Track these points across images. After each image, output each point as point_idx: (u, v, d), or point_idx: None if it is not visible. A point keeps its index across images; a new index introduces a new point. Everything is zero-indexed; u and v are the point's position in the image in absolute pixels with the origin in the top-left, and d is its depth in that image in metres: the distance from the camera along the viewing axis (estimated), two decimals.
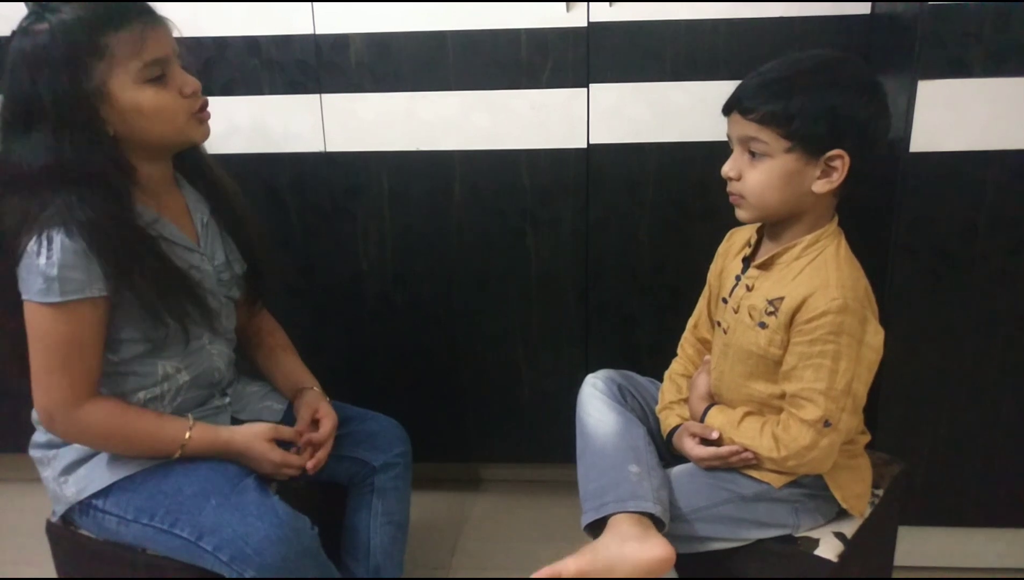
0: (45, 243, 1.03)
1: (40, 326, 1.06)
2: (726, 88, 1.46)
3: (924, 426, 1.44)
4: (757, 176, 1.06)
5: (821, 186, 1.05)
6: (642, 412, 1.27)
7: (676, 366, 1.31)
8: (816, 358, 1.05)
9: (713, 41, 1.45)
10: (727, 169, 1.10)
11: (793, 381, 1.07)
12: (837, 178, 1.04)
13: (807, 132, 1.02)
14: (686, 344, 1.32)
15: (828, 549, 1.12)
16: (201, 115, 1.14)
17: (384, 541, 1.31)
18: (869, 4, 1.42)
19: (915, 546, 1.54)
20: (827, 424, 1.05)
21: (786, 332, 1.07)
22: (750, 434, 1.11)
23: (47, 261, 1.02)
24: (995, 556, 1.54)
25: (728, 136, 1.11)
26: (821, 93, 1.02)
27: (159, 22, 1.10)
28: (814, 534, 1.14)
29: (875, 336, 1.06)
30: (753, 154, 1.06)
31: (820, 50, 1.11)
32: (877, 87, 1.06)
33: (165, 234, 1.14)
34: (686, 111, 1.49)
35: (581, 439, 1.22)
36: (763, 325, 1.10)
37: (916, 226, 1.34)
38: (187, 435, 1.13)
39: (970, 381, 1.41)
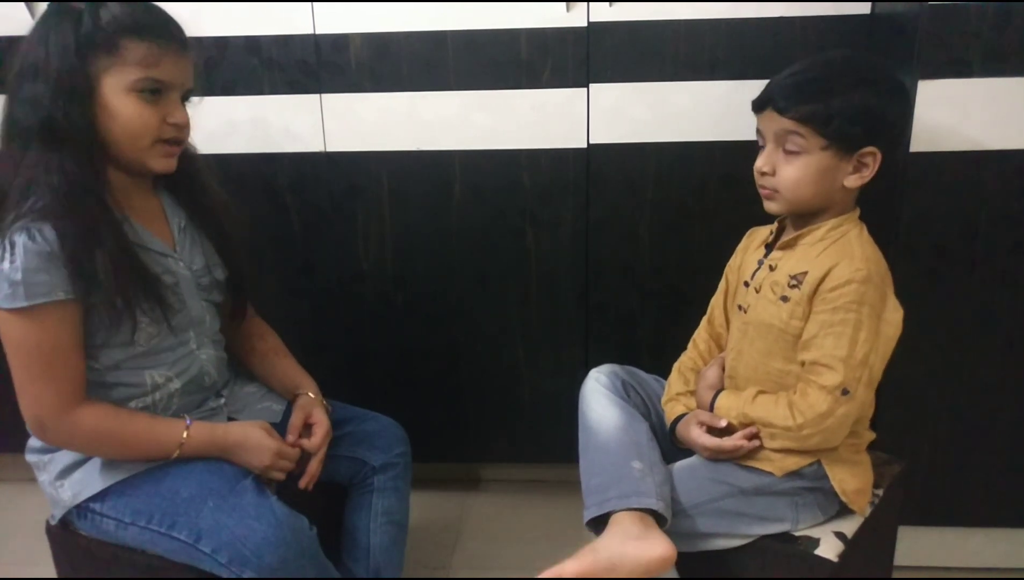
0: (8, 248, 1.02)
1: (13, 334, 1.06)
2: (726, 88, 1.47)
3: (924, 425, 1.44)
4: (792, 171, 1.10)
5: (853, 181, 1.10)
6: (645, 408, 1.27)
7: (685, 359, 1.31)
8: (838, 326, 1.06)
9: (713, 41, 1.45)
10: (761, 164, 1.13)
11: (812, 349, 1.08)
12: (868, 174, 1.09)
13: (845, 131, 1.06)
14: (699, 339, 1.32)
15: (828, 548, 1.12)
16: (168, 148, 1.13)
17: (384, 541, 1.31)
18: (869, 4, 1.42)
19: (915, 546, 1.54)
20: (845, 392, 1.06)
21: (808, 304, 1.09)
22: (765, 407, 1.12)
23: (10, 265, 1.02)
24: (995, 556, 1.54)
25: (759, 131, 1.14)
26: (857, 94, 1.06)
27: (184, 54, 1.11)
28: (814, 533, 1.14)
29: (894, 313, 1.09)
30: (787, 150, 1.10)
31: (847, 51, 1.15)
32: (904, 87, 1.11)
33: (133, 238, 1.13)
34: (686, 111, 1.49)
35: (584, 434, 1.22)
36: (785, 298, 1.12)
37: (916, 226, 1.34)
38: (184, 435, 1.13)
39: (970, 381, 1.41)
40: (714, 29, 1.45)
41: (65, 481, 1.15)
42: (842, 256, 1.08)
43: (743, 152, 1.47)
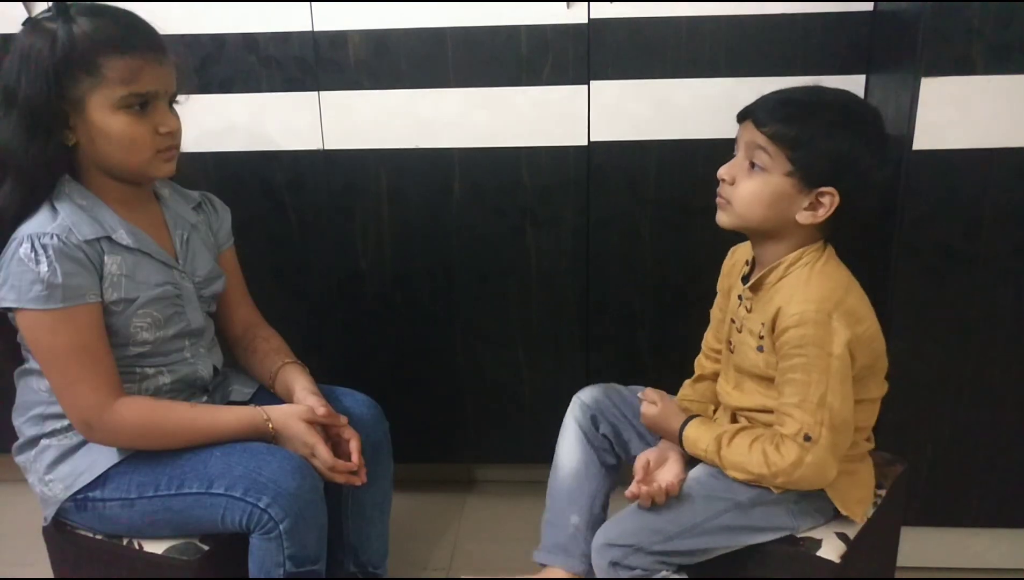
0: (41, 250, 1.04)
1: (46, 337, 1.07)
2: (728, 85, 1.47)
3: (926, 425, 1.43)
4: (749, 186, 1.09)
5: (805, 217, 1.07)
6: (610, 442, 1.28)
7: (690, 393, 1.31)
8: (788, 373, 1.06)
9: (715, 38, 1.44)
10: (723, 172, 1.12)
11: (778, 398, 1.09)
12: (823, 214, 1.07)
13: (809, 163, 1.05)
14: (705, 360, 1.32)
15: (830, 550, 1.12)
16: (167, 154, 1.14)
17: (365, 526, 1.32)
18: (872, 2, 1.41)
19: (917, 546, 1.53)
20: (807, 438, 1.05)
21: (773, 352, 1.09)
22: (740, 451, 1.10)
23: (48, 268, 1.04)
24: (998, 556, 1.54)
25: (736, 141, 1.13)
26: (833, 131, 1.05)
27: (164, 60, 1.12)
28: (816, 535, 1.14)
29: (839, 345, 1.04)
30: (753, 165, 1.08)
31: (846, 91, 1.13)
32: (886, 141, 1.09)
33: (139, 246, 1.14)
34: (687, 108, 1.48)
35: (552, 467, 1.29)
36: (760, 349, 1.11)
37: (919, 224, 1.33)
38: (224, 421, 1.14)
39: (973, 380, 1.40)
40: (715, 26, 1.44)
41: (53, 475, 1.15)
42: (783, 301, 1.07)
43: None
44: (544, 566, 1.26)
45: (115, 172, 1.13)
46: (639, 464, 1.17)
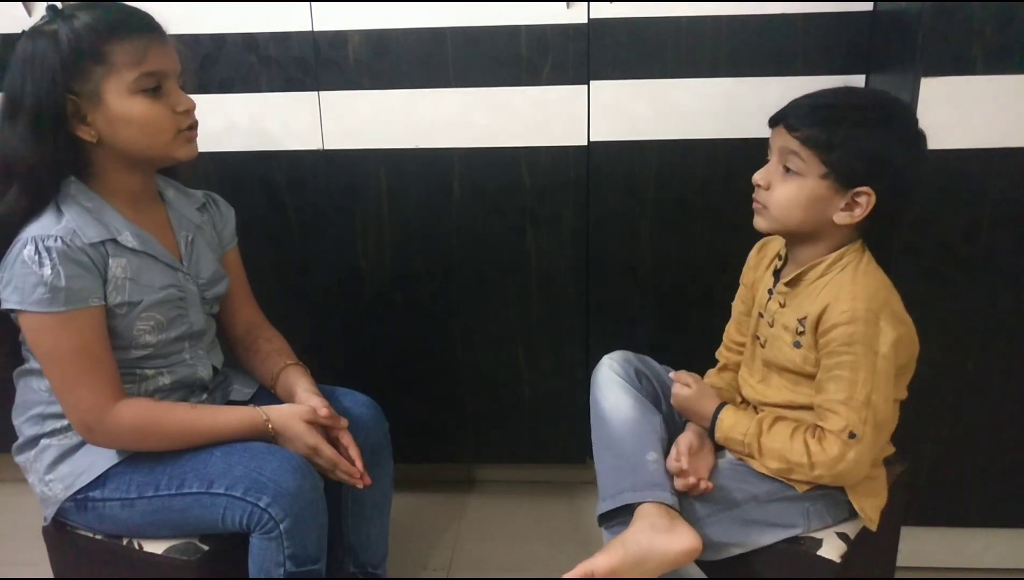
0: (45, 253, 1.04)
1: (47, 340, 1.07)
2: (728, 85, 1.47)
3: (926, 426, 1.43)
4: (785, 191, 1.09)
5: (842, 218, 1.07)
6: (656, 398, 1.25)
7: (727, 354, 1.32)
8: (835, 370, 1.06)
9: (715, 38, 1.44)
10: (758, 177, 1.12)
11: (820, 393, 1.09)
12: (859, 214, 1.07)
13: (844, 164, 1.05)
14: (727, 352, 1.31)
15: (831, 549, 1.12)
16: (189, 134, 1.15)
17: (367, 526, 1.31)
18: (872, 1, 1.41)
19: (917, 546, 1.53)
20: (852, 435, 1.05)
21: (814, 349, 1.09)
22: (781, 438, 1.10)
23: (51, 271, 1.04)
24: (997, 556, 1.54)
25: (769, 146, 1.13)
26: (865, 131, 1.05)
27: (165, 40, 1.12)
28: (817, 534, 1.14)
29: (885, 345, 1.05)
30: (787, 169, 1.09)
31: (877, 90, 1.12)
32: (920, 138, 1.09)
33: (143, 248, 1.14)
34: (687, 108, 1.48)
35: (597, 424, 1.21)
36: (798, 344, 1.11)
37: (919, 225, 1.33)
38: (224, 422, 1.14)
39: (973, 381, 1.40)
40: (715, 26, 1.44)
41: (53, 474, 1.15)
42: (831, 298, 1.07)
43: (744, 149, 1.47)
44: (617, 513, 1.12)
45: (140, 159, 1.13)
46: (680, 450, 1.15)
